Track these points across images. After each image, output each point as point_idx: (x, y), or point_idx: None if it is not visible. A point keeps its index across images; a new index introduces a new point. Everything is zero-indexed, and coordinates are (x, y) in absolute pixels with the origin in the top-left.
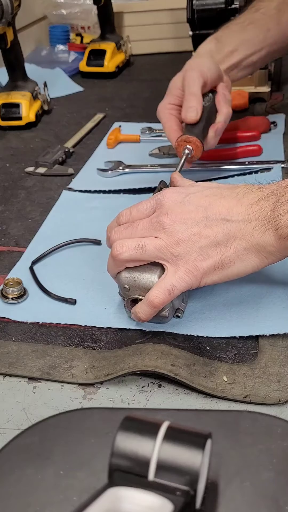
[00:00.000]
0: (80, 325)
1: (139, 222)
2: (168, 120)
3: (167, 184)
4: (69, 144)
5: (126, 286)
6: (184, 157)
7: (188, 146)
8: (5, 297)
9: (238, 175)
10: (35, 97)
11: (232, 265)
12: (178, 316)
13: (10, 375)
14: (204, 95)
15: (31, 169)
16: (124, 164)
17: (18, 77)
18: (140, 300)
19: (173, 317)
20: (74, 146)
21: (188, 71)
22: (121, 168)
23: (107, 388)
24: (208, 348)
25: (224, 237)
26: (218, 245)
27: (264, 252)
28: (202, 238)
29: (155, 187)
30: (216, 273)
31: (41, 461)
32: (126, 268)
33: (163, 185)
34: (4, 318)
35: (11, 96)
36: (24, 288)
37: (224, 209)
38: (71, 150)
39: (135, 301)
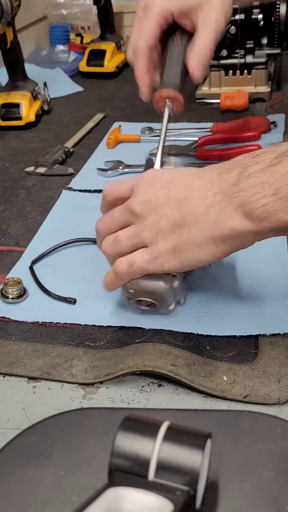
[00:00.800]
0: (80, 325)
1: (116, 215)
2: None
3: (154, 162)
4: (69, 144)
5: (131, 290)
6: (166, 117)
7: (168, 103)
8: (5, 296)
9: None
10: (35, 97)
11: (188, 250)
12: (180, 304)
13: (10, 375)
14: (172, 32)
15: (31, 169)
16: (124, 164)
17: (18, 77)
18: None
19: (177, 305)
20: (74, 146)
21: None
22: (121, 168)
23: (107, 387)
24: (208, 347)
25: (180, 218)
26: (176, 226)
27: (221, 236)
28: (162, 218)
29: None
30: (175, 257)
31: (41, 461)
32: None
33: (150, 163)
34: (4, 317)
35: (11, 96)
36: (24, 288)
37: (184, 187)
38: (71, 150)
39: (140, 300)
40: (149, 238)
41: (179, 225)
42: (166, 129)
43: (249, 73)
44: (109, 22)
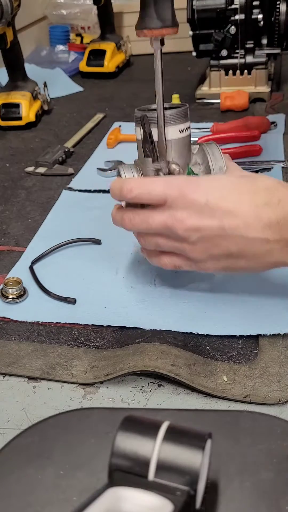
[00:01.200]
0: (80, 324)
1: (152, 226)
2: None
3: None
4: (69, 144)
5: None
6: (158, 54)
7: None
8: (5, 296)
9: None
10: (35, 97)
11: (240, 271)
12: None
13: (10, 375)
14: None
15: (31, 169)
16: (124, 164)
17: (18, 77)
18: None
19: None
20: (74, 146)
21: None
22: None
23: (107, 387)
24: (208, 347)
25: (237, 251)
26: (231, 256)
27: (276, 266)
28: (216, 247)
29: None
30: (222, 270)
31: (41, 461)
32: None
33: (145, 120)
34: (4, 317)
35: (11, 96)
36: (24, 288)
37: (239, 219)
38: (71, 150)
39: None
40: (197, 259)
41: (235, 256)
42: (162, 70)
43: (249, 73)
44: (109, 22)
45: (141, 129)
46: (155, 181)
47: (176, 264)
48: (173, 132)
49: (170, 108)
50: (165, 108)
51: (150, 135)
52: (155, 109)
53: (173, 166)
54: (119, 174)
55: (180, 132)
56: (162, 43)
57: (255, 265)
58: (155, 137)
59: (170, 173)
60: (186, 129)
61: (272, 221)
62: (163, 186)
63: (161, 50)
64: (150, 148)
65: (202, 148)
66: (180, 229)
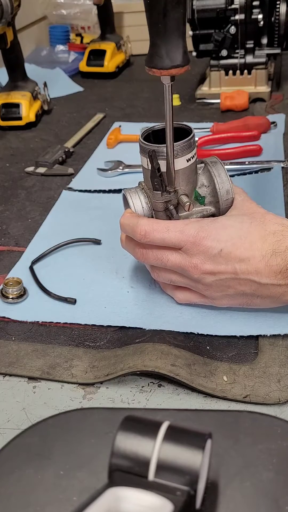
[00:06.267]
0: (80, 324)
1: (168, 265)
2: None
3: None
4: (69, 144)
5: None
6: (168, 90)
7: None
8: (5, 296)
9: (238, 175)
10: (35, 97)
11: (256, 306)
12: None
13: (10, 375)
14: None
15: (31, 169)
16: (124, 164)
17: (18, 77)
18: None
19: None
20: (74, 146)
21: None
22: (121, 168)
23: (107, 387)
24: (208, 347)
25: (251, 291)
26: (245, 296)
27: None
28: (231, 288)
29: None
30: (236, 305)
31: (41, 461)
32: None
33: (153, 155)
34: (4, 317)
35: (11, 96)
36: (24, 288)
37: (252, 270)
38: (71, 150)
39: None
40: (212, 296)
41: (249, 296)
42: (172, 105)
43: (249, 73)
44: (109, 22)
45: (147, 159)
46: (169, 229)
47: (191, 300)
48: (181, 163)
49: (174, 128)
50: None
51: (159, 169)
52: (159, 130)
53: (183, 198)
54: (125, 200)
55: (187, 161)
56: (173, 79)
57: (270, 303)
58: (163, 169)
59: (178, 203)
60: (192, 157)
61: (281, 267)
62: (178, 237)
63: (171, 86)
64: (159, 182)
65: (208, 169)
66: (195, 273)
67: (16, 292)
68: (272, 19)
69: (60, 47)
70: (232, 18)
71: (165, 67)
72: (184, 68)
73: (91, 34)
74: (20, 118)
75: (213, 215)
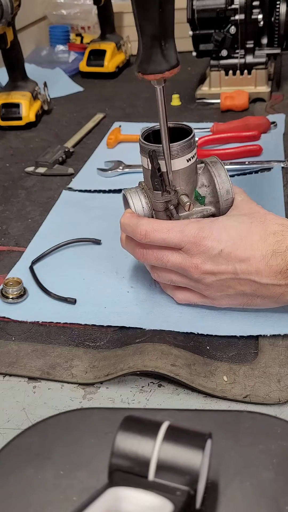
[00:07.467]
0: (80, 324)
1: (168, 265)
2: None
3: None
4: (69, 144)
5: None
6: (160, 93)
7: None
8: (5, 296)
9: (238, 175)
10: (35, 97)
11: (256, 306)
12: None
13: (10, 375)
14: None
15: (31, 169)
16: (124, 164)
17: (18, 77)
18: None
19: None
20: (74, 146)
21: None
22: (121, 168)
23: (107, 388)
24: (208, 347)
25: (251, 291)
26: (245, 296)
27: None
28: (231, 288)
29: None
30: (237, 305)
31: (41, 461)
32: None
33: (154, 155)
34: (4, 317)
35: (11, 96)
36: (24, 288)
37: (253, 270)
38: (71, 150)
39: None
40: (212, 296)
41: (249, 296)
42: (165, 107)
43: (249, 73)
44: (109, 22)
45: (147, 159)
46: (170, 229)
47: (191, 300)
48: (181, 163)
49: (174, 128)
50: (171, 133)
51: (159, 169)
52: (159, 130)
53: (183, 198)
54: (125, 200)
55: (188, 161)
56: (164, 81)
57: (270, 303)
58: (163, 169)
59: (178, 203)
60: (193, 157)
61: (282, 268)
62: (178, 237)
63: (163, 88)
64: (159, 182)
65: (208, 169)
66: (196, 274)
67: (16, 292)
68: (272, 19)
69: (60, 47)
70: (232, 18)
71: (162, 70)
72: (178, 68)
73: (91, 34)
74: (20, 118)
75: (213, 215)
